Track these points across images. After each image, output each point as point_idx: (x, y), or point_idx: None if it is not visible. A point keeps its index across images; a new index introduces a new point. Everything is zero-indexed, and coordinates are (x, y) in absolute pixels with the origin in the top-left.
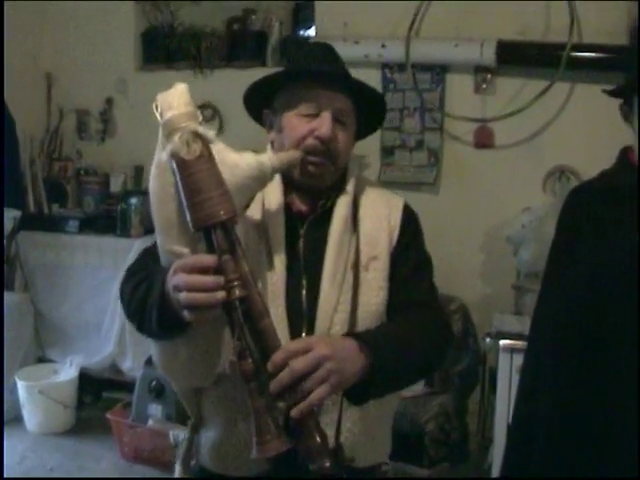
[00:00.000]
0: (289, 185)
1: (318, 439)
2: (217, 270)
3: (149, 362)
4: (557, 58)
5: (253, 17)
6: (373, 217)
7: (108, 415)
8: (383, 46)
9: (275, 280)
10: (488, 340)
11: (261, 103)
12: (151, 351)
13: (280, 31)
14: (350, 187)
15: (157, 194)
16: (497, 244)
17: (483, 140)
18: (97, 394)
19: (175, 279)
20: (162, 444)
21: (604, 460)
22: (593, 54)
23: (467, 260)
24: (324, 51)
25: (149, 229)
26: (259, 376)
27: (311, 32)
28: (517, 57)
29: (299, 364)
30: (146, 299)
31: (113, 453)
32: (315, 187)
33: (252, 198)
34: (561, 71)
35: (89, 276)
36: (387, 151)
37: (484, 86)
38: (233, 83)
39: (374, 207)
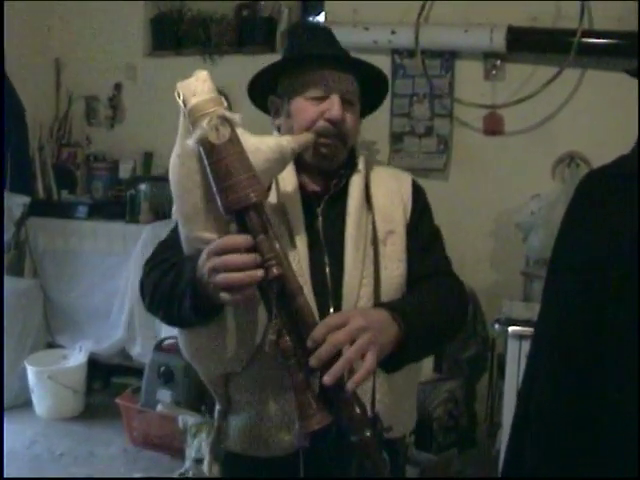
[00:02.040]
0: (300, 167)
1: (358, 410)
2: (250, 251)
3: (158, 347)
4: (567, 44)
5: (262, 3)
6: (385, 193)
7: (117, 400)
8: (393, 32)
9: (298, 259)
10: (497, 326)
11: (265, 90)
12: (179, 342)
13: (289, 17)
14: (361, 166)
15: (182, 183)
16: (506, 231)
17: (492, 126)
18: (106, 379)
19: (211, 262)
20: (171, 429)
21: (597, 448)
22: (603, 40)
23: (476, 246)
24: (323, 34)
25: (158, 215)
26: (297, 353)
27: (320, 18)
28: (527, 43)
29: (338, 337)
30: (175, 287)
31: (122, 438)
32: (327, 168)
33: (272, 181)
34: (571, 57)
35: (98, 262)
36: (396, 137)
37: (494, 72)
38: (242, 69)
39: (385, 184)
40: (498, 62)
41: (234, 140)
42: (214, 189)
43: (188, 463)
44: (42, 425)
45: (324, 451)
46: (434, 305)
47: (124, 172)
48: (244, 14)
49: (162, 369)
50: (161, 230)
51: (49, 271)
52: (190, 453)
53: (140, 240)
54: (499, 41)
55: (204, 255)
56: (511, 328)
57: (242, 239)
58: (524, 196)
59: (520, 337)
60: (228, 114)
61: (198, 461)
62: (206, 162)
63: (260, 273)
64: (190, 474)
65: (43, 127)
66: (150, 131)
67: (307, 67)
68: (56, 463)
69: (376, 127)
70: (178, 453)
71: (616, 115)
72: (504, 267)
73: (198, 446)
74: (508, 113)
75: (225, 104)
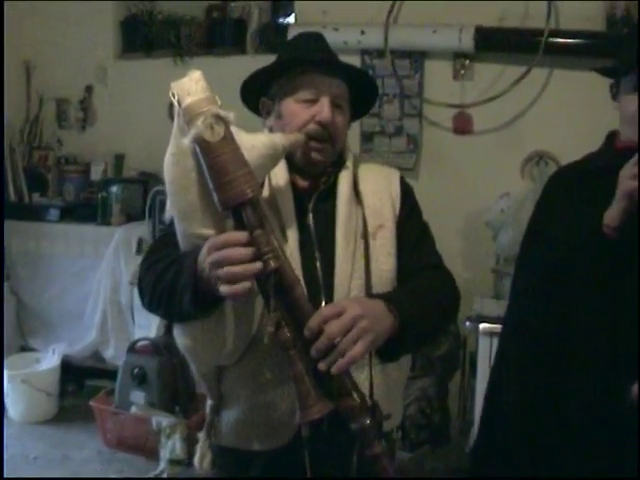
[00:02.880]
0: (290, 165)
1: (357, 398)
2: (248, 245)
3: (131, 349)
4: (535, 44)
5: (232, 5)
6: (374, 189)
7: (91, 403)
8: (362, 33)
9: (290, 254)
10: (468, 324)
11: (257, 91)
12: (175, 335)
13: (259, 19)
14: (350, 163)
15: (178, 181)
16: (476, 229)
17: (462, 126)
18: (80, 382)
19: (211, 257)
20: (145, 431)
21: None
22: (571, 40)
23: (447, 245)
24: (316, 39)
25: (130, 217)
26: (296, 344)
27: (290, 20)
28: (495, 43)
29: (335, 327)
30: (176, 283)
31: (96, 441)
32: (315, 170)
33: (265, 177)
34: (539, 57)
35: (70, 265)
36: (366, 137)
37: (462, 72)
38: (213, 71)
39: (374, 180)
40: (467, 62)
41: (229, 138)
42: (210, 186)
43: (162, 464)
44: (16, 429)
45: (323, 441)
46: (428, 297)
47: (95, 174)
48: (214, 16)
49: (135, 371)
50: (133, 232)
51: (21, 274)
52: (164, 454)
53: (112, 242)
54: (467, 41)
55: (204, 250)
56: (482, 325)
57: (241, 234)
58: (494, 195)
59: (491, 334)
60: (222, 112)
61: (172, 462)
62: (202, 160)
63: (258, 265)
64: (165, 475)
65: (14, 130)
66: (121, 133)
67: (299, 70)
68: (30, 466)
69: None
70: (152, 454)
71: (584, 114)
72: (475, 265)
73: (172, 447)
74: (477, 112)
75: (219, 103)
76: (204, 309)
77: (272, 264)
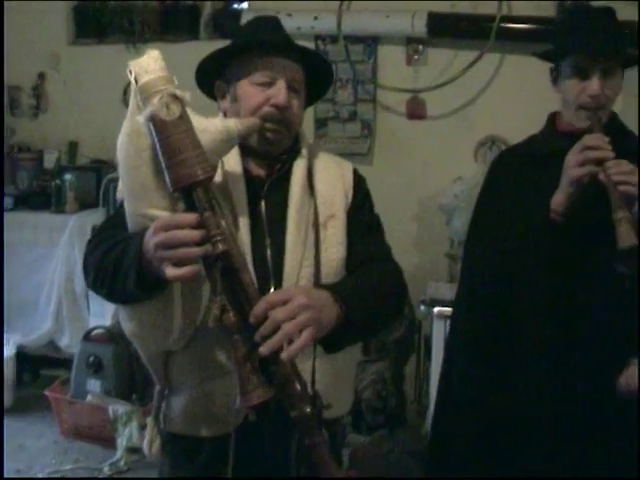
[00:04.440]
0: (245, 152)
1: (298, 386)
2: (196, 228)
3: (86, 338)
4: (487, 30)
5: None
6: (328, 179)
7: (46, 392)
8: (315, 18)
9: (240, 239)
10: (422, 308)
11: (212, 74)
12: (120, 320)
13: (213, 4)
14: (305, 151)
15: (129, 160)
16: (430, 213)
17: (415, 111)
18: (35, 372)
19: (158, 237)
20: (101, 419)
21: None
22: (522, 25)
23: (401, 230)
24: (272, 22)
25: (84, 205)
26: (241, 328)
27: (244, 5)
28: (448, 29)
29: (280, 314)
30: (120, 263)
31: (53, 430)
32: (271, 153)
33: (217, 162)
34: (491, 42)
35: (25, 253)
36: (320, 123)
37: (416, 57)
38: (166, 57)
39: (327, 169)
40: (420, 47)
41: (184, 118)
42: (162, 165)
43: (119, 452)
44: None
45: (265, 428)
46: (373, 288)
47: (49, 162)
48: (167, 2)
49: (91, 359)
50: (87, 219)
51: None
52: (121, 442)
53: (66, 230)
54: (420, 27)
55: (151, 231)
56: (436, 309)
57: (189, 216)
58: (447, 179)
59: (445, 318)
60: (179, 92)
61: (129, 450)
62: (155, 138)
63: (205, 248)
64: (122, 463)
65: None
66: (75, 120)
67: (255, 53)
68: None
69: None
70: (109, 443)
71: (535, 98)
72: (429, 249)
73: (129, 435)
74: (430, 97)
75: (176, 83)
76: (148, 291)
77: (220, 247)
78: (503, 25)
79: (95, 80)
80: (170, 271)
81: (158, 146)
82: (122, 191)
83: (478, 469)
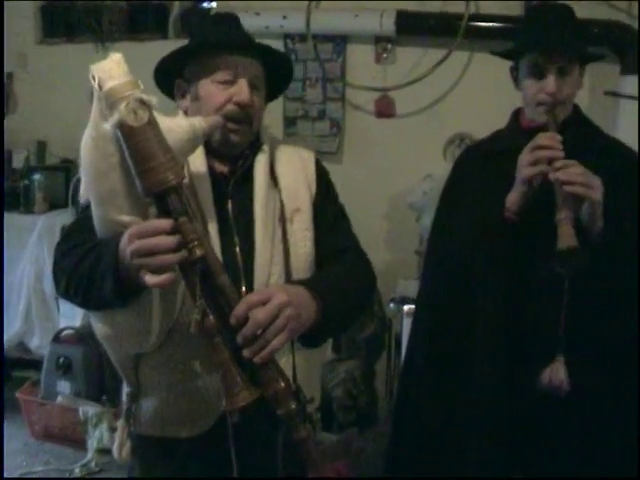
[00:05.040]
0: (207, 150)
1: (282, 384)
2: (171, 233)
3: (56, 339)
4: (455, 28)
5: None
6: (291, 172)
7: (17, 394)
8: (284, 17)
9: (209, 239)
10: (392, 306)
11: (171, 73)
12: (93, 323)
13: (181, 3)
14: (266, 146)
15: (96, 165)
16: (400, 211)
17: (384, 109)
18: (6, 373)
19: (134, 245)
20: (72, 421)
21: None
22: (490, 24)
23: (371, 228)
24: (231, 20)
25: (53, 205)
26: (222, 331)
27: (212, 4)
28: (416, 27)
29: (261, 315)
30: (94, 271)
31: (23, 432)
32: (233, 150)
33: (184, 162)
34: (459, 40)
35: None
36: (290, 121)
37: (384, 56)
38: (135, 56)
39: (290, 162)
40: (389, 46)
41: (152, 123)
42: (133, 172)
43: (90, 453)
44: None
45: (246, 426)
46: (347, 281)
47: (17, 162)
48: (136, 1)
49: (61, 360)
50: (56, 220)
51: None
52: (92, 443)
53: (35, 230)
54: (389, 25)
55: (126, 238)
56: (406, 307)
57: (164, 222)
58: (416, 177)
59: None
60: (146, 97)
61: (100, 451)
62: (124, 145)
63: (183, 254)
64: (93, 464)
65: None
66: (43, 120)
67: (215, 52)
68: None
69: (269, 111)
70: (80, 444)
71: (504, 96)
72: (399, 247)
73: (100, 436)
74: (399, 96)
75: (141, 87)
76: (126, 298)
77: (197, 252)
78: (471, 23)
79: (63, 80)
80: (149, 279)
81: (127, 153)
82: (85, 195)
83: (436, 465)
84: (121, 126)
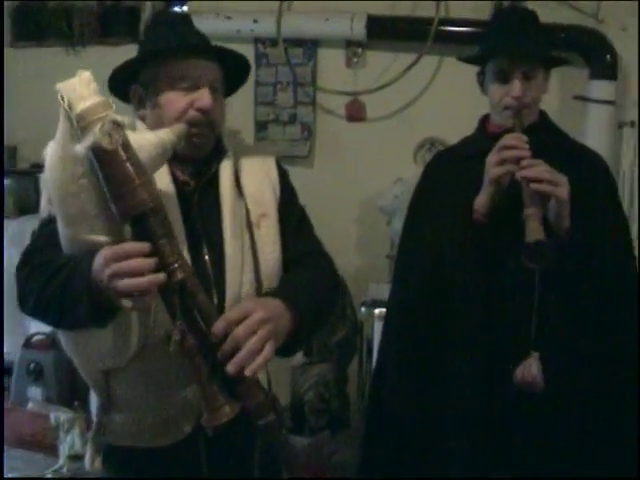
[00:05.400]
0: (170, 158)
1: (262, 396)
2: (149, 255)
3: (27, 344)
4: (425, 32)
5: None
6: (254, 176)
7: None
8: (255, 21)
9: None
10: (363, 309)
11: (127, 80)
12: (61, 338)
13: (153, 7)
14: (230, 152)
15: (65, 186)
16: (371, 215)
17: (355, 113)
18: None
19: (111, 269)
20: (43, 427)
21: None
22: (460, 28)
23: (342, 232)
24: (182, 22)
25: (23, 210)
26: (202, 349)
27: (184, 8)
28: (387, 31)
29: (241, 331)
30: (65, 293)
31: None
32: (197, 157)
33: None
34: (429, 45)
35: None
36: (261, 126)
37: (355, 60)
38: (106, 60)
39: (253, 167)
40: (359, 50)
41: (126, 144)
42: (108, 195)
43: (62, 460)
44: None
45: (219, 436)
46: (316, 288)
47: None
48: (107, 4)
49: (32, 366)
50: (27, 225)
51: None
52: (64, 449)
53: (6, 235)
54: (359, 29)
55: (101, 260)
56: (377, 310)
57: (142, 245)
58: (387, 181)
59: None
60: (120, 118)
61: (72, 457)
62: (98, 168)
63: (162, 277)
64: (64, 470)
65: None
66: (14, 124)
67: (172, 57)
68: None
69: (240, 116)
70: (51, 450)
71: (474, 100)
72: (370, 251)
73: (72, 442)
74: (370, 100)
75: (114, 107)
76: (100, 319)
77: (178, 275)
78: (441, 28)
79: (34, 83)
80: (127, 303)
81: (101, 176)
82: (46, 211)
83: (411, 467)
84: (95, 149)
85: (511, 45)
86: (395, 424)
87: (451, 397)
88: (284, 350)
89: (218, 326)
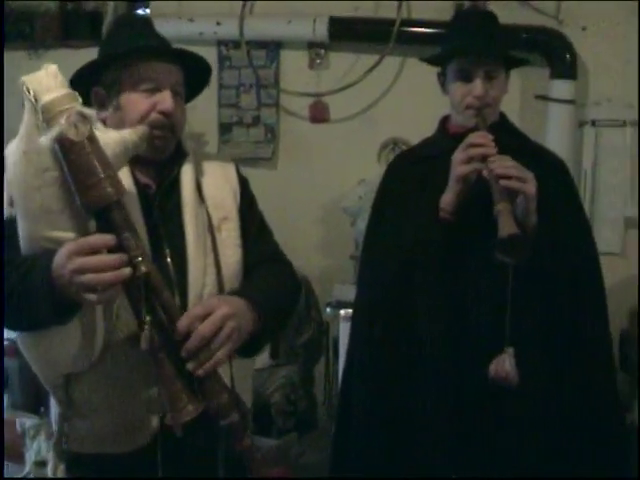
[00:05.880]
0: (131, 160)
1: (225, 395)
2: (113, 250)
3: None
4: (387, 33)
5: None
6: (215, 181)
7: None
8: (218, 24)
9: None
10: (329, 310)
11: (88, 82)
12: (20, 345)
13: (115, 10)
14: (191, 156)
15: (28, 181)
16: (335, 216)
17: (318, 115)
18: None
19: (73, 263)
20: (10, 433)
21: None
22: (422, 29)
23: (307, 233)
24: (143, 25)
25: None
26: (166, 346)
27: (147, 10)
28: (349, 33)
29: (205, 328)
30: (26, 291)
31: None
32: (158, 159)
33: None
34: (391, 46)
35: None
36: (224, 128)
37: (318, 61)
38: (69, 63)
39: (214, 172)
40: (322, 51)
41: (92, 137)
42: (73, 187)
43: (28, 466)
44: None
45: (183, 438)
46: (278, 290)
47: None
48: (69, 7)
49: None
50: None
51: None
52: (30, 456)
53: None
54: (322, 31)
55: (64, 255)
56: (342, 311)
57: (107, 238)
58: (351, 181)
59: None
60: (87, 110)
61: (38, 464)
62: (63, 160)
63: (127, 271)
64: (31, 477)
65: None
66: None
67: (134, 59)
68: None
69: (204, 118)
70: (18, 457)
71: (436, 100)
72: (335, 252)
73: (37, 449)
74: (333, 101)
75: (80, 100)
76: (63, 317)
77: (142, 269)
78: (403, 29)
79: None
80: (90, 296)
81: (67, 168)
82: (7, 212)
83: (379, 465)
84: (61, 140)
85: (474, 45)
86: (364, 425)
87: (420, 397)
88: (246, 351)
89: (182, 323)
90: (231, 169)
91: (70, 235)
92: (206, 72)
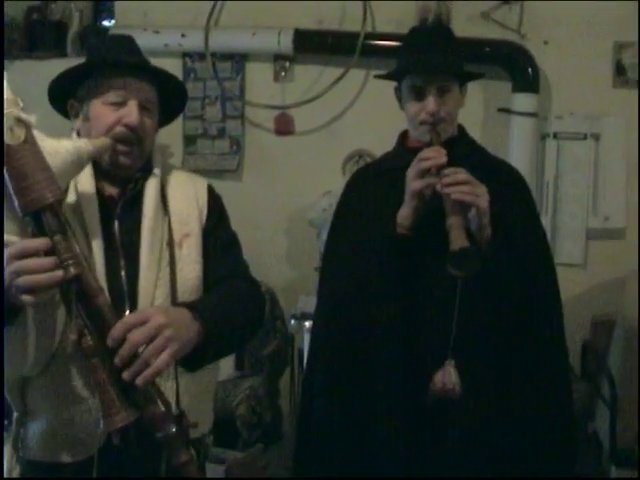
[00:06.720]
0: (98, 172)
1: (162, 407)
2: (49, 252)
3: None
4: (352, 46)
5: (53, 6)
6: (182, 197)
7: None
8: (183, 35)
9: (94, 261)
10: (293, 322)
11: (65, 93)
12: None
13: (81, 21)
14: (157, 170)
15: None
16: (300, 228)
17: (283, 127)
18: None
19: (12, 266)
20: None
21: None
22: (385, 42)
23: (272, 245)
24: (126, 42)
25: None
26: (100, 352)
27: (112, 22)
28: (314, 45)
29: (138, 336)
30: None
31: None
32: (123, 173)
33: (69, 183)
34: (355, 58)
35: None
36: (189, 140)
37: (283, 74)
38: (33, 74)
39: (181, 188)
40: (287, 64)
41: (30, 141)
42: (10, 190)
43: None
44: None
45: (129, 450)
46: (232, 305)
47: None
48: (34, 17)
49: None
50: None
51: None
52: None
53: None
54: (287, 44)
55: (6, 259)
56: (307, 323)
57: (39, 241)
58: (316, 193)
59: None
60: (23, 115)
61: None
62: (4, 164)
63: (59, 274)
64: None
65: None
66: None
67: (107, 73)
68: None
69: (169, 130)
70: None
71: (400, 113)
72: (300, 263)
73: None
74: (298, 113)
75: (21, 105)
76: (8, 318)
77: (72, 271)
78: (367, 42)
79: None
80: (26, 298)
81: (5, 171)
82: None
83: (339, 471)
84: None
85: (424, 61)
86: (323, 433)
87: (376, 405)
88: (190, 363)
89: (116, 330)
90: (202, 187)
91: (14, 238)
92: (182, 95)
